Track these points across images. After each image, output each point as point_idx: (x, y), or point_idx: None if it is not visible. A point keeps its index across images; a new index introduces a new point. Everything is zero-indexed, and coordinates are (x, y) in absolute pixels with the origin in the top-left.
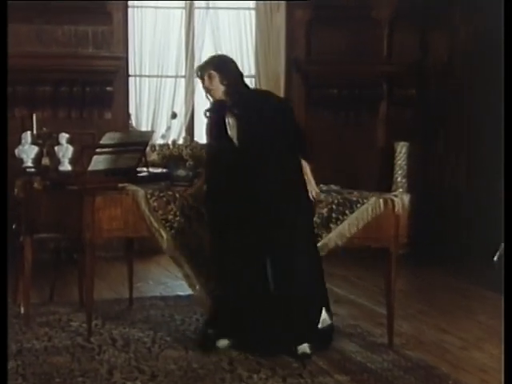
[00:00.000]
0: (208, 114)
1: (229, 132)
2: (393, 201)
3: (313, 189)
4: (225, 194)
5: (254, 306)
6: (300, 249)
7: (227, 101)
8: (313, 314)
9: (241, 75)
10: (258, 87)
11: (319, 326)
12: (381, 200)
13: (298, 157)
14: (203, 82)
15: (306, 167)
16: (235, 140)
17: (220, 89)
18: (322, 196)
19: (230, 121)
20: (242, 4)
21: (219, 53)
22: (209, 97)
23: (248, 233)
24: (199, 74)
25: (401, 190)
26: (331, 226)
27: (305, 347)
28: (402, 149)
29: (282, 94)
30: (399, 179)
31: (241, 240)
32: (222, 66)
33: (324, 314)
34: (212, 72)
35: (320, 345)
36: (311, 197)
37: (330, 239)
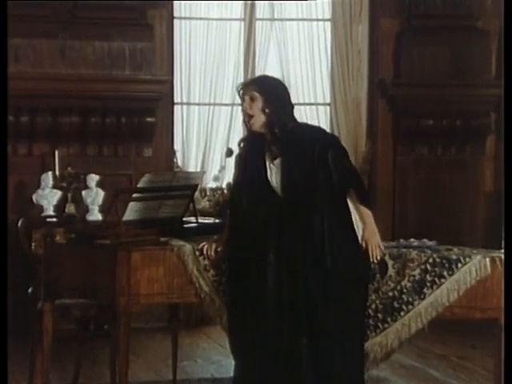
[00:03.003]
0: (242, 144)
1: (269, 177)
2: (502, 260)
3: (375, 245)
4: (255, 257)
5: None
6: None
7: (266, 135)
8: None
9: (291, 107)
10: (333, 118)
11: None
12: (487, 259)
13: (349, 211)
14: (243, 104)
15: (369, 216)
16: (278, 189)
17: (260, 118)
18: (414, 253)
19: (271, 162)
20: (314, 14)
21: (282, 74)
22: (246, 123)
23: (284, 308)
24: (240, 91)
25: None
26: (425, 291)
27: None
28: None
29: (363, 125)
30: None
31: (272, 320)
32: (268, 90)
33: None
34: (255, 93)
35: None
36: (374, 257)
37: (425, 308)
